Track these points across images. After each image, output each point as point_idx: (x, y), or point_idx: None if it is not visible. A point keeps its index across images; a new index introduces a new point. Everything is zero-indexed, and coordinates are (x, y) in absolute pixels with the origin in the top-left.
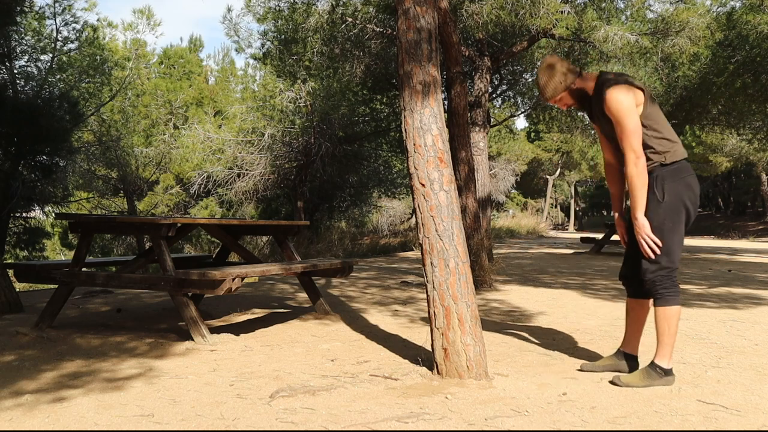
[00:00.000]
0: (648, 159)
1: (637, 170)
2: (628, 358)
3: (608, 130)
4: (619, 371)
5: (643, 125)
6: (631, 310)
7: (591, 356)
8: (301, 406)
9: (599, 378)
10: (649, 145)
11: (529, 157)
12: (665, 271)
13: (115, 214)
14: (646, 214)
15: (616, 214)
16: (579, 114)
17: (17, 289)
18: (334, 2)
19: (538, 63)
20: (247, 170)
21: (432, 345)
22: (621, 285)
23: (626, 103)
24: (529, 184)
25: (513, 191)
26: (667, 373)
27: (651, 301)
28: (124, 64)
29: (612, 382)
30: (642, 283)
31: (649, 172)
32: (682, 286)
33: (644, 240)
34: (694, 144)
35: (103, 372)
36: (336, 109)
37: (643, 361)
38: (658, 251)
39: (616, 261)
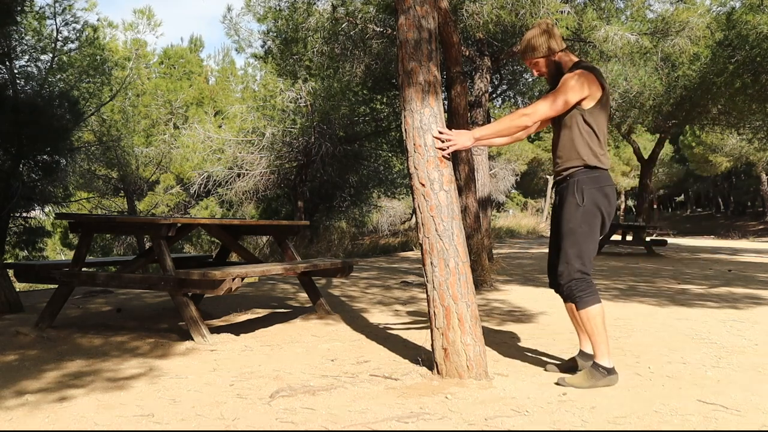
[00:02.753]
0: (574, 160)
1: (517, 119)
2: (587, 357)
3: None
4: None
5: (585, 122)
6: (572, 314)
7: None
8: (301, 406)
9: None
10: (581, 144)
11: (529, 157)
12: (578, 274)
13: (116, 214)
14: (565, 217)
15: None
16: None
17: (17, 289)
18: (334, 2)
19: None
20: (247, 170)
21: (432, 345)
22: (621, 285)
23: (574, 83)
24: (529, 184)
25: (513, 191)
26: (610, 372)
27: None
28: (124, 64)
29: (557, 383)
30: (560, 288)
31: (571, 176)
32: (683, 287)
33: (442, 143)
34: (694, 144)
35: (104, 372)
36: (336, 108)
37: (643, 364)
38: (445, 150)
39: (617, 261)
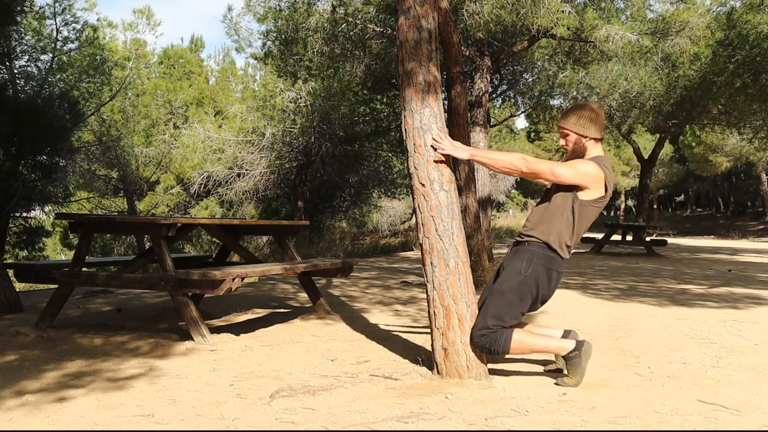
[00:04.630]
0: (541, 234)
1: (516, 160)
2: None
3: (551, 186)
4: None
5: (572, 210)
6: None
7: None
8: (301, 406)
9: (600, 378)
10: (556, 225)
11: None
12: (486, 330)
13: (116, 214)
14: (503, 276)
15: None
16: None
17: (17, 289)
18: (334, 2)
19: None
20: (247, 170)
21: (432, 345)
22: (621, 285)
23: (584, 170)
24: (530, 184)
25: (513, 191)
26: (578, 347)
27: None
28: (124, 64)
29: (557, 384)
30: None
31: (530, 243)
32: (683, 287)
33: (438, 144)
34: (694, 144)
35: (104, 372)
36: (336, 108)
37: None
38: (440, 148)
39: (617, 261)
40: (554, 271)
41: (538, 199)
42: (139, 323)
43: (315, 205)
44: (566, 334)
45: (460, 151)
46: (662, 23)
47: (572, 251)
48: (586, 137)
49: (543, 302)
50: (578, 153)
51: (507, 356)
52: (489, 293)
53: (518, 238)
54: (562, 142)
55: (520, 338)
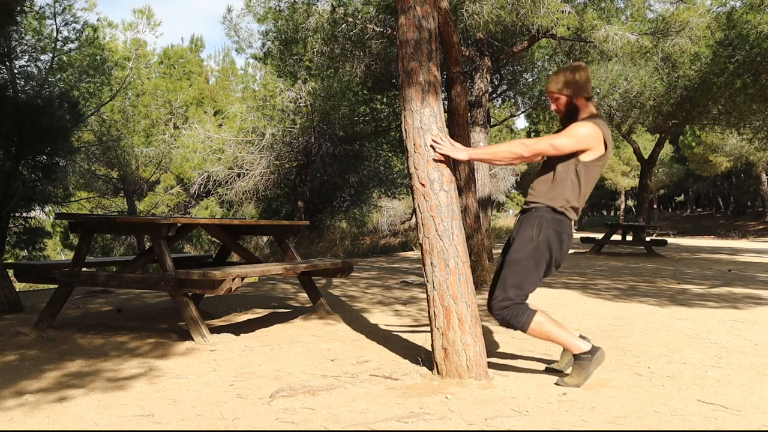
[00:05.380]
0: (546, 199)
1: (515, 147)
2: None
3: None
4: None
5: (576, 173)
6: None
7: None
8: (301, 406)
9: (600, 378)
10: (561, 190)
11: None
12: (508, 302)
13: (116, 214)
14: (515, 246)
15: None
16: None
17: (17, 289)
18: (334, 2)
19: (539, 63)
20: (247, 170)
21: (432, 345)
22: (621, 285)
23: (582, 135)
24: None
25: (513, 191)
26: (593, 351)
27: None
28: (124, 64)
29: (557, 384)
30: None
31: (536, 209)
32: (683, 286)
33: (437, 145)
34: (694, 144)
35: (104, 372)
36: (336, 109)
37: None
38: (440, 149)
39: (617, 261)
40: (564, 233)
41: (539, 168)
42: (139, 323)
43: (315, 205)
44: (582, 338)
45: (459, 152)
46: (662, 23)
47: (579, 214)
48: (576, 98)
49: (557, 266)
50: (571, 114)
51: (524, 335)
52: (504, 265)
53: (524, 207)
54: (553, 106)
55: (541, 321)
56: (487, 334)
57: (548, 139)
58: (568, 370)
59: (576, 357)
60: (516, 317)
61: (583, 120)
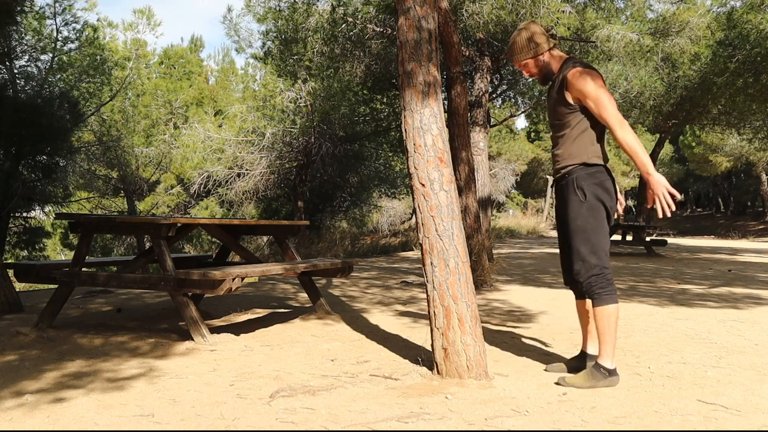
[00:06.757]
0: (573, 158)
1: (625, 133)
2: (590, 358)
3: (551, 115)
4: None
5: (587, 118)
6: (583, 313)
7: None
8: (301, 406)
9: None
10: (580, 142)
11: (529, 157)
12: (596, 269)
13: (116, 214)
14: (570, 215)
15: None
16: None
17: (17, 289)
18: (334, 2)
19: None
20: (247, 170)
21: (432, 345)
22: (621, 285)
23: (595, 81)
24: (529, 184)
25: (513, 191)
26: (611, 373)
27: None
28: (124, 64)
29: (557, 383)
30: (579, 285)
31: (570, 173)
32: (683, 286)
33: (662, 196)
34: (694, 144)
35: (104, 372)
36: (336, 108)
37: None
38: (668, 212)
39: (617, 261)
40: (605, 181)
41: (551, 133)
42: (139, 323)
43: (315, 205)
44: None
45: (657, 177)
46: (662, 23)
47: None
48: (539, 54)
49: (613, 212)
50: (546, 71)
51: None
52: (568, 239)
53: (557, 176)
54: (526, 74)
55: (613, 313)
56: (487, 334)
57: (603, 109)
58: (566, 375)
59: (596, 365)
60: (602, 288)
61: (568, 69)
